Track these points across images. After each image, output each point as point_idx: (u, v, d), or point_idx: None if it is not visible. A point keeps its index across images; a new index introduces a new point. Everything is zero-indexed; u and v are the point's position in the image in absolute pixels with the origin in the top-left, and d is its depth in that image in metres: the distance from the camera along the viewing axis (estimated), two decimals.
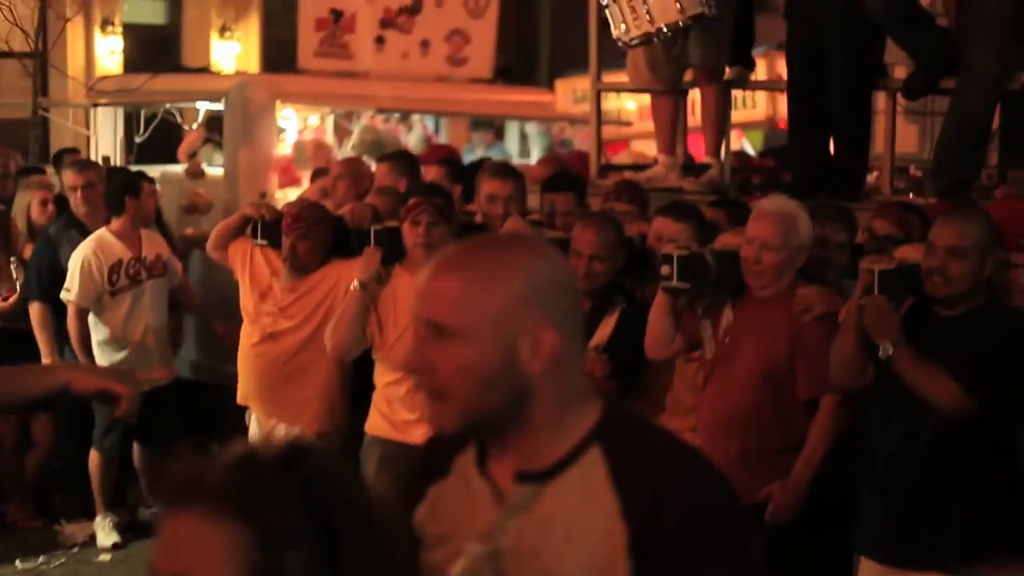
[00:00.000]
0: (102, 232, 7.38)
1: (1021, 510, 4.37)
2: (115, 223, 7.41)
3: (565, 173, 6.93)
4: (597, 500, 1.99)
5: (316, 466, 1.57)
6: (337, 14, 11.48)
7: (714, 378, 4.93)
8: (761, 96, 12.78)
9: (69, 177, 7.72)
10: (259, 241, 6.36)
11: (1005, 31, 6.14)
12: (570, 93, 16.17)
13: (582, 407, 2.06)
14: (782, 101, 12.46)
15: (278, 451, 1.57)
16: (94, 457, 7.52)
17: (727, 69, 7.42)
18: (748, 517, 2.06)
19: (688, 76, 7.48)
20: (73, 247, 7.36)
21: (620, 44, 7.04)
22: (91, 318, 7.34)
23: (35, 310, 7.47)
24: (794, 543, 4.65)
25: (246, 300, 6.42)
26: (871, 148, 7.29)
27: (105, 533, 7.51)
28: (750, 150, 13.42)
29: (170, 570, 1.55)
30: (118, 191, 7.45)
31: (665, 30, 6.79)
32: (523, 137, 13.26)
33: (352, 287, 5.84)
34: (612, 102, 13.01)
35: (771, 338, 4.77)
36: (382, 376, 5.95)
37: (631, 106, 13.41)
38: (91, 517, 7.62)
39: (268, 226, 6.32)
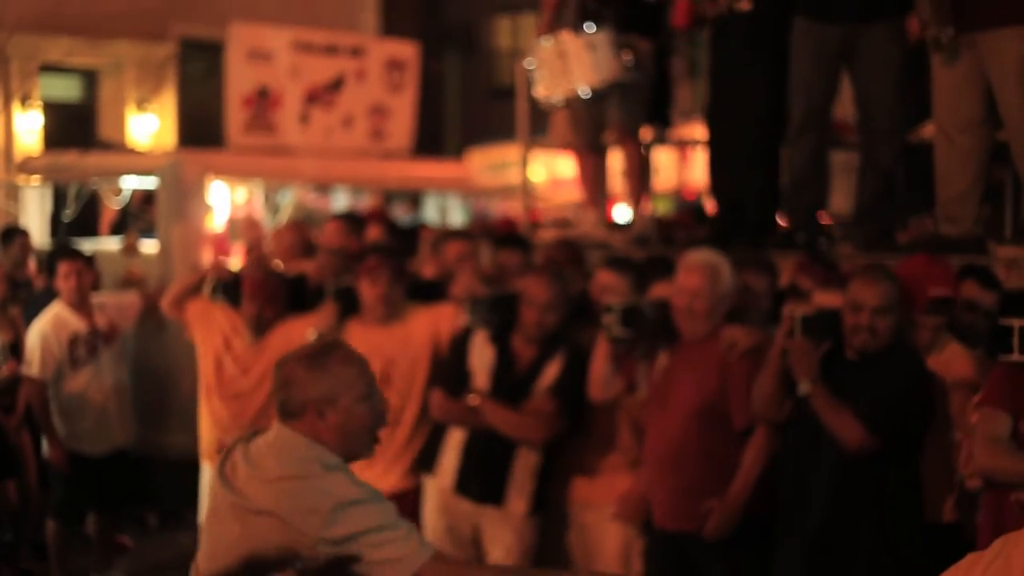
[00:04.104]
0: (58, 306, 7.64)
1: (923, 533, 4.87)
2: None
3: (514, 233, 7.40)
4: None
5: None
6: (264, 92, 11.81)
7: (653, 418, 5.39)
8: (671, 166, 13.33)
9: (62, 266, 7.66)
10: (217, 299, 6.65)
11: (900, 92, 6.73)
12: (483, 164, 16.68)
13: None
14: (689, 172, 13.07)
15: None
16: (51, 526, 7.72)
17: (645, 128, 7.91)
18: None
19: (609, 137, 7.93)
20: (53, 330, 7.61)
21: (544, 104, 7.51)
22: (51, 390, 7.59)
23: None
24: (731, 555, 5.15)
25: (206, 358, 6.67)
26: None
27: None
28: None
29: None
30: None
31: (586, 92, 7.26)
32: (442, 208, 13.66)
33: (309, 338, 6.17)
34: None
35: (703, 377, 5.25)
36: None
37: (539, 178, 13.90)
38: None
39: (226, 285, 6.64)
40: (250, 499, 3.22)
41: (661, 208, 15.85)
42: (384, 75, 12.85)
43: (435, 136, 20.02)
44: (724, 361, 5.23)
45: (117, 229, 12.34)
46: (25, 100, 14.47)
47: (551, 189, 14.55)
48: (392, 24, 18.88)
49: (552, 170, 14.51)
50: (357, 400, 3.33)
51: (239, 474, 3.27)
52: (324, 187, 12.17)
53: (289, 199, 11.05)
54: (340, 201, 12.15)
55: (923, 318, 5.10)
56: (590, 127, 7.79)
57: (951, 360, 5.08)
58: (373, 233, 7.67)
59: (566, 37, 7.30)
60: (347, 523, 3.15)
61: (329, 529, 3.14)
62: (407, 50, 13.34)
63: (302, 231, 7.93)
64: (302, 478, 3.20)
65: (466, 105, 21.39)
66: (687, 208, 12.61)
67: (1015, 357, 4.49)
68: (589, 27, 7.28)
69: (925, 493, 4.93)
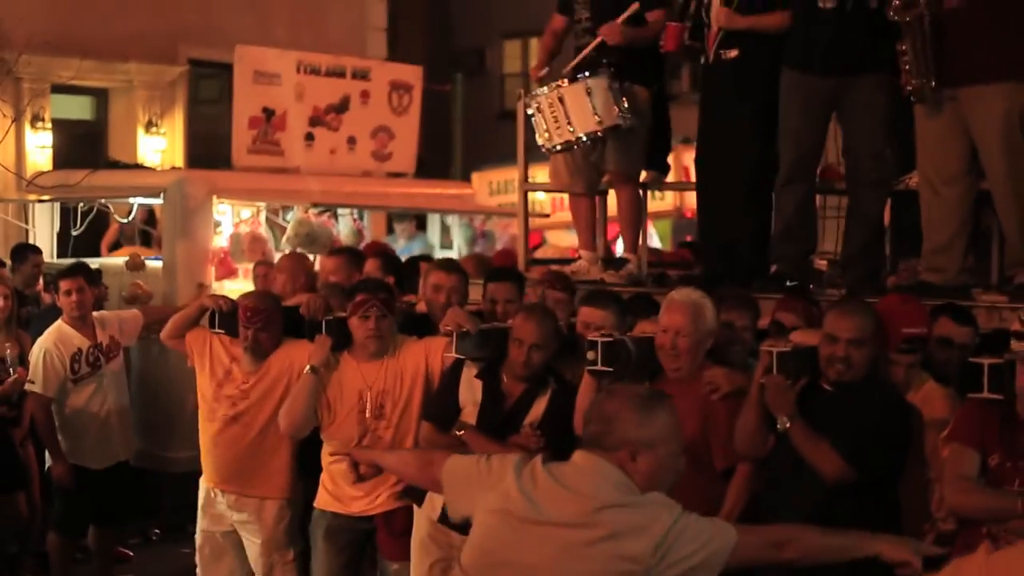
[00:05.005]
0: (60, 323, 7.80)
1: None
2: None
3: (506, 266, 7.52)
4: None
5: None
6: (269, 112, 11.95)
7: None
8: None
9: (63, 283, 7.93)
10: (217, 330, 6.83)
11: (887, 142, 6.85)
12: (486, 186, 16.86)
13: None
14: (688, 194, 13.19)
15: None
16: (52, 539, 7.86)
17: (642, 173, 8.04)
18: None
19: (605, 179, 8.06)
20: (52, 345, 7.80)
21: (544, 150, 7.64)
22: (54, 405, 7.75)
23: None
24: None
25: (205, 386, 6.82)
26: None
27: None
28: (657, 240, 14.09)
29: None
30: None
31: (584, 139, 7.42)
32: (444, 228, 13.78)
33: (304, 372, 6.37)
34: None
35: (685, 416, 5.24)
36: (328, 453, 6.46)
37: (542, 196, 14.04)
38: None
39: (225, 316, 6.79)
40: (561, 518, 3.41)
41: (661, 230, 16.05)
42: (388, 97, 13.00)
43: (443, 158, 20.18)
44: (706, 402, 5.33)
45: (119, 247, 12.53)
46: (36, 119, 14.67)
47: (556, 208, 14.70)
48: (401, 48, 19.07)
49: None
50: (670, 454, 3.49)
51: (545, 492, 3.48)
52: (328, 207, 12.31)
53: (293, 218, 11.19)
54: (343, 221, 12.29)
55: (897, 356, 5.21)
56: (588, 172, 7.91)
57: (927, 399, 5.18)
58: (370, 267, 7.79)
59: (563, 83, 7.44)
60: (676, 550, 3.35)
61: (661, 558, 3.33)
62: (412, 72, 13.49)
63: (303, 263, 8.05)
64: (625, 505, 3.39)
65: (474, 128, 21.57)
66: (685, 228, 12.73)
67: (984, 395, 4.58)
68: (584, 75, 7.42)
69: (905, 525, 4.98)
